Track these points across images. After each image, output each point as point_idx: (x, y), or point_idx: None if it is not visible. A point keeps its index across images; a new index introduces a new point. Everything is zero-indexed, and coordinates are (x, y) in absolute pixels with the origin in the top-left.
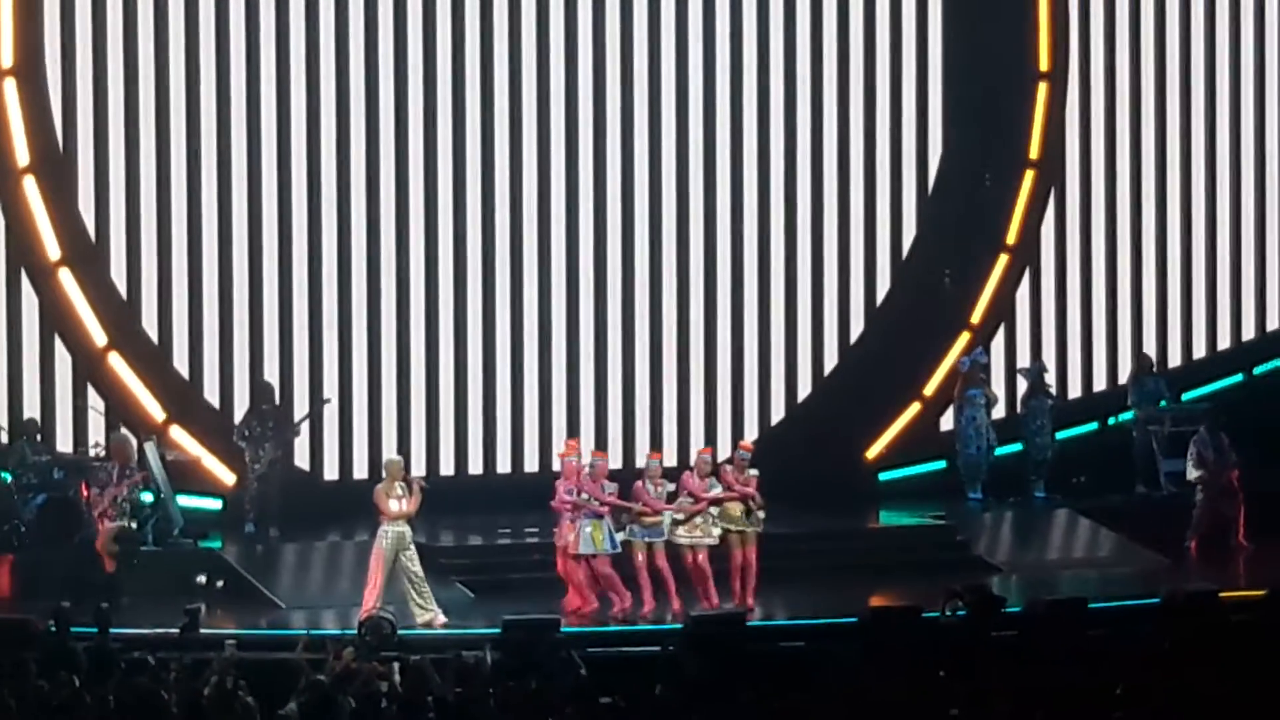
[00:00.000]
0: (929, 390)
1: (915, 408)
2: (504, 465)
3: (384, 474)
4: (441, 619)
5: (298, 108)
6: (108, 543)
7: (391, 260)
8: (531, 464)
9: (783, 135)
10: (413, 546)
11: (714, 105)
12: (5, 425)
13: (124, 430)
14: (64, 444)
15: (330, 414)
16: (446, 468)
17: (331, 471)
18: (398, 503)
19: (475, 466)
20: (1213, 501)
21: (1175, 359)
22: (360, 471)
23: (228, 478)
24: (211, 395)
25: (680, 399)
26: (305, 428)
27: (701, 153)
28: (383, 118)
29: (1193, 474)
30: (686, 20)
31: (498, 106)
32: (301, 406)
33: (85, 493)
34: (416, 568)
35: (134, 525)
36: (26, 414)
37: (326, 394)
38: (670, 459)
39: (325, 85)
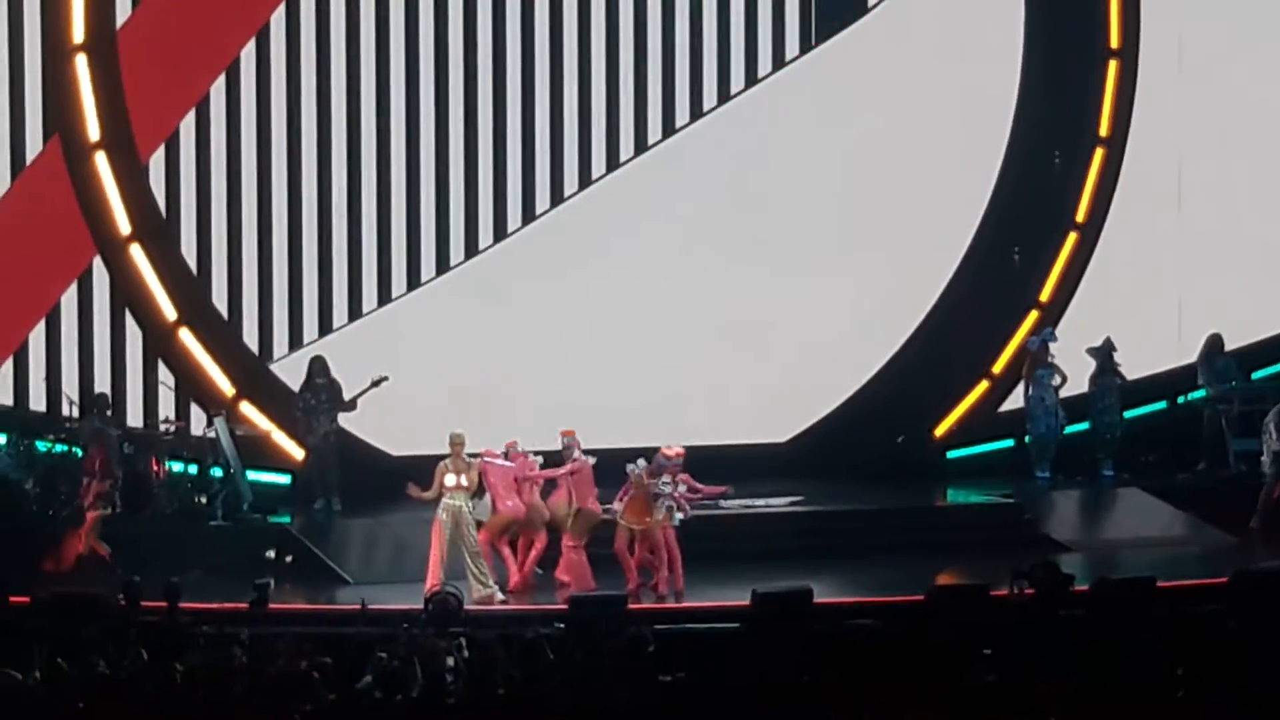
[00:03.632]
0: (997, 369)
1: (983, 386)
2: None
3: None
4: (499, 596)
5: (368, 82)
6: (92, 531)
7: (460, 234)
8: (600, 440)
9: (852, 110)
10: (472, 521)
11: (783, 74)
12: (76, 400)
13: (99, 424)
14: (134, 419)
15: (399, 389)
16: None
17: (400, 446)
18: (455, 476)
19: (546, 442)
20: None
21: (1245, 337)
22: (430, 447)
23: (297, 453)
24: (281, 370)
25: (748, 377)
26: (365, 400)
27: (770, 126)
28: (451, 95)
29: (1276, 445)
30: None
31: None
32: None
33: (155, 467)
34: (474, 543)
35: (204, 500)
36: (97, 389)
37: (393, 368)
38: (740, 437)
39: (395, 59)
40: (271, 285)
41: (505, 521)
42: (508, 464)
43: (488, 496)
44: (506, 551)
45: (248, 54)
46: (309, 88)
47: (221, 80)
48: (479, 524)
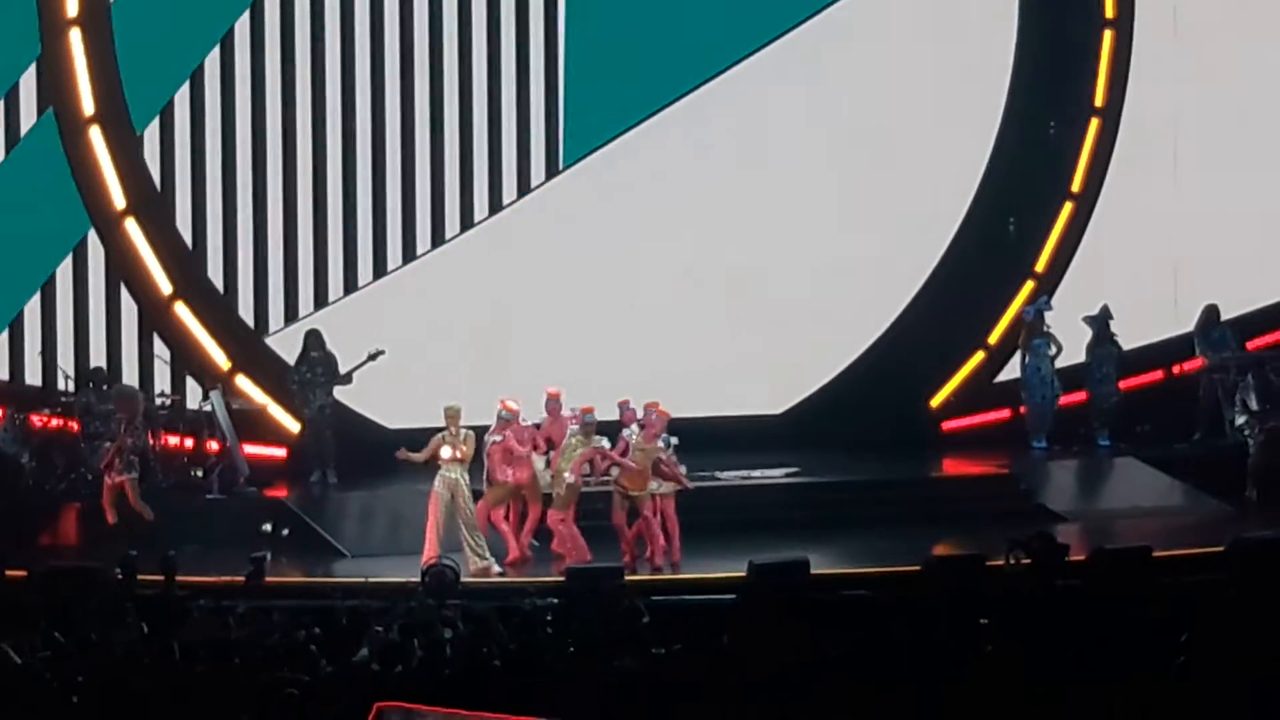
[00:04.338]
0: (993, 339)
1: (979, 356)
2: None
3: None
4: (496, 569)
5: (362, 56)
6: (134, 495)
7: (455, 207)
8: (601, 412)
9: (849, 80)
10: (468, 493)
11: (777, 49)
12: (72, 374)
13: (128, 383)
14: None
15: (396, 362)
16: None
17: (396, 419)
18: (450, 448)
19: (540, 414)
20: (1263, 448)
21: (1242, 306)
22: (426, 419)
23: (293, 427)
24: (277, 344)
25: (743, 349)
26: (361, 373)
27: (766, 96)
28: (446, 65)
29: (1239, 420)
30: None
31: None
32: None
33: (151, 441)
34: (471, 515)
35: (200, 474)
36: (93, 363)
37: (389, 341)
38: (733, 408)
39: (389, 28)
40: (267, 258)
41: (505, 491)
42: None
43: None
44: (504, 525)
45: (241, 26)
46: (303, 60)
47: (216, 54)
48: (478, 494)
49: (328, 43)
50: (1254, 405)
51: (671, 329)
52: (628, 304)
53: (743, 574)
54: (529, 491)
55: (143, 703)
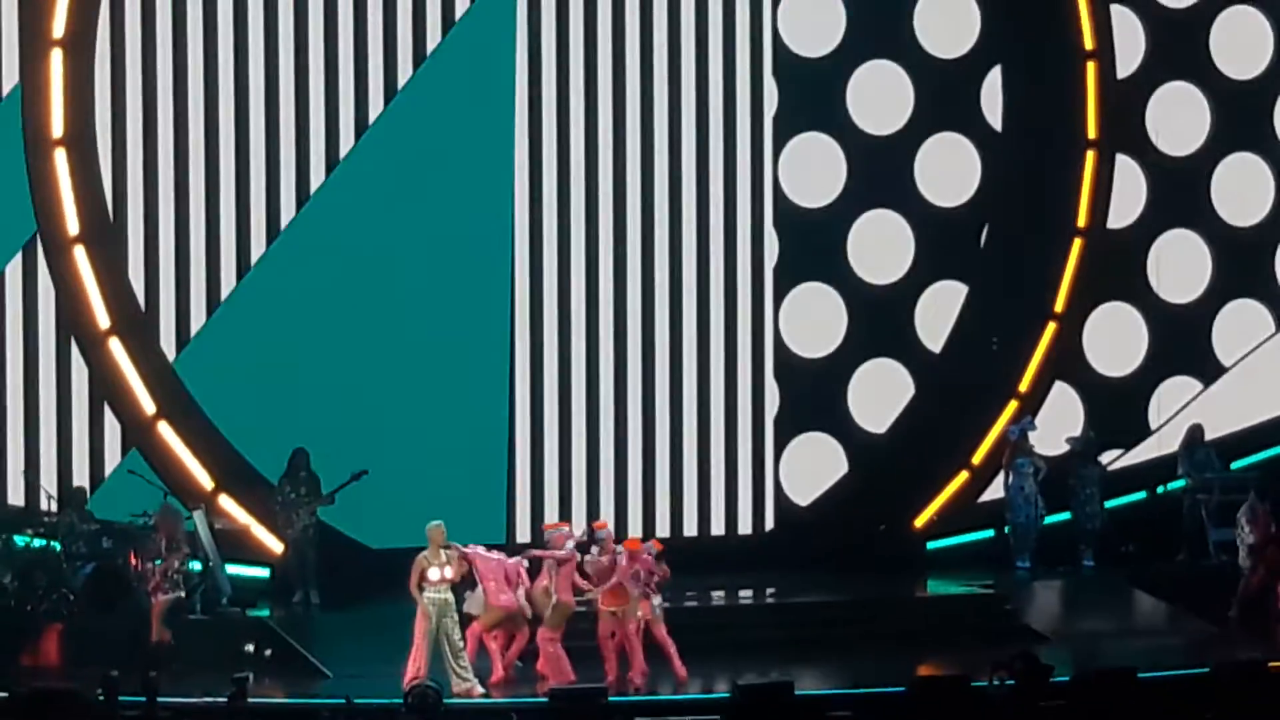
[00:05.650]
0: (977, 459)
1: (963, 476)
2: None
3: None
4: (479, 689)
5: (349, 175)
6: (163, 616)
7: (442, 328)
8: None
9: (832, 198)
10: (454, 614)
11: (759, 166)
12: (55, 494)
13: (171, 501)
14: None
15: (378, 482)
16: (496, 535)
17: (378, 539)
18: (439, 570)
19: (522, 534)
20: (1258, 568)
21: (1225, 428)
22: (407, 539)
23: (276, 546)
24: (260, 464)
25: (723, 467)
26: (343, 494)
27: (749, 220)
28: (442, 174)
29: (1249, 539)
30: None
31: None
32: (350, 473)
33: (134, 561)
34: (457, 636)
35: (184, 595)
36: (76, 483)
37: (369, 463)
38: (716, 528)
39: (373, 133)
40: (251, 377)
41: (501, 615)
42: (493, 557)
43: (479, 589)
44: (492, 645)
45: (226, 146)
46: (288, 180)
47: (201, 171)
48: (470, 618)
49: (312, 163)
50: (1260, 524)
51: (653, 449)
52: (607, 423)
53: (727, 695)
54: (518, 616)
55: None
